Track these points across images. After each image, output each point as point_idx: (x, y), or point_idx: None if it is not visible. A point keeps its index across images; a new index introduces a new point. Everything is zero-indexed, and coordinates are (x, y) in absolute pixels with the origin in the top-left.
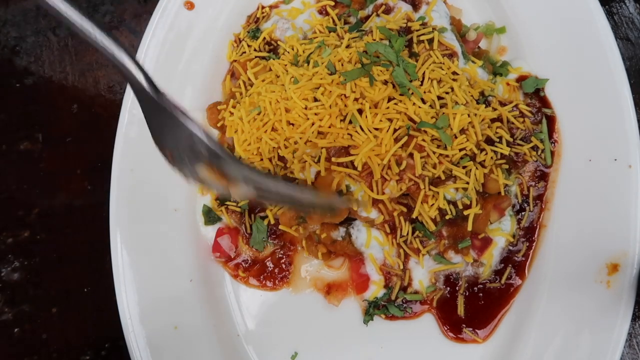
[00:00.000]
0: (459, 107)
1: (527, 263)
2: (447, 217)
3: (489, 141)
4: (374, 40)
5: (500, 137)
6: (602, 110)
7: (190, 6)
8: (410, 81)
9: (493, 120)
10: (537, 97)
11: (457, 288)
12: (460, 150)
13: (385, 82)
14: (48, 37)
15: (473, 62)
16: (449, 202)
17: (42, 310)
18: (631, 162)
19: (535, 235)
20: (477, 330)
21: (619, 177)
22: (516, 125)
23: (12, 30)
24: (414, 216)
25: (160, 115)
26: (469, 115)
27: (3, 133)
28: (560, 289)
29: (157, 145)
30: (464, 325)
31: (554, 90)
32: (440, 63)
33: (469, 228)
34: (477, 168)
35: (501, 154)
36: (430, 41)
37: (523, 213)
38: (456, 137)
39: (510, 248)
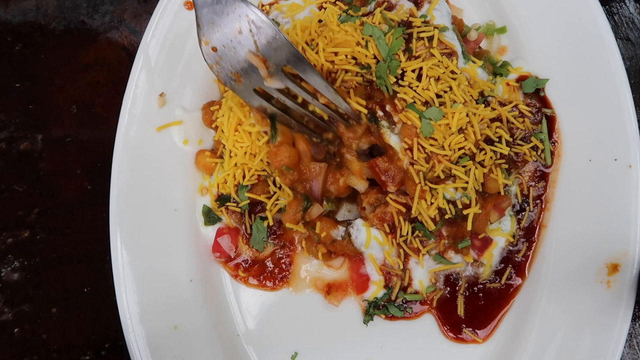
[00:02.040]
0: (458, 106)
1: (527, 263)
2: (446, 217)
3: (489, 141)
4: (373, 23)
5: (500, 137)
6: (602, 110)
7: (190, 6)
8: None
9: (493, 120)
10: (537, 97)
11: (457, 288)
12: (459, 149)
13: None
14: (48, 37)
15: (473, 62)
16: (448, 201)
17: (42, 310)
18: (631, 162)
19: (535, 235)
20: (477, 330)
21: (619, 177)
22: (516, 125)
23: (12, 30)
24: (413, 215)
25: (216, 4)
26: (467, 115)
27: (3, 133)
28: (560, 289)
29: (202, 40)
30: (464, 326)
31: (554, 90)
32: (439, 62)
33: (469, 228)
34: (476, 167)
35: (501, 153)
36: (430, 39)
37: (523, 213)
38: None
39: (510, 248)
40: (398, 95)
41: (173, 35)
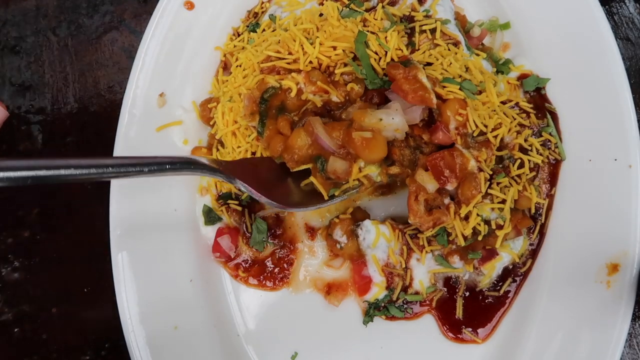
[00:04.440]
0: (486, 84)
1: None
2: (479, 238)
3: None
4: (376, 19)
5: (531, 145)
6: (602, 110)
7: (190, 6)
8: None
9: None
10: (538, 96)
11: (456, 290)
12: (494, 130)
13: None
14: (48, 37)
15: (477, 54)
16: (483, 221)
17: (42, 310)
18: (631, 162)
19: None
20: (476, 331)
21: (619, 177)
22: (519, 121)
23: (12, 30)
24: (446, 224)
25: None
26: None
27: (3, 132)
28: (560, 289)
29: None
30: (464, 326)
31: (554, 90)
32: (446, 50)
33: (496, 245)
34: (511, 185)
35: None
36: (433, 31)
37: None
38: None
39: (514, 264)
40: (427, 72)
41: (173, 35)
